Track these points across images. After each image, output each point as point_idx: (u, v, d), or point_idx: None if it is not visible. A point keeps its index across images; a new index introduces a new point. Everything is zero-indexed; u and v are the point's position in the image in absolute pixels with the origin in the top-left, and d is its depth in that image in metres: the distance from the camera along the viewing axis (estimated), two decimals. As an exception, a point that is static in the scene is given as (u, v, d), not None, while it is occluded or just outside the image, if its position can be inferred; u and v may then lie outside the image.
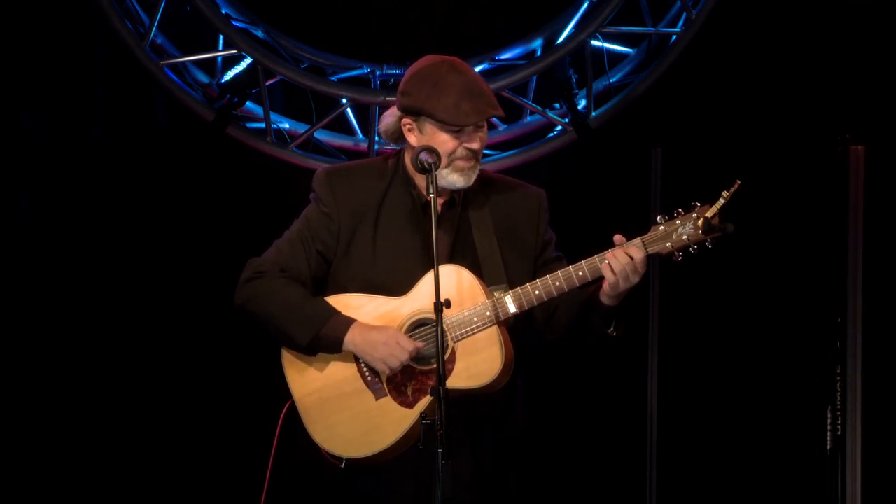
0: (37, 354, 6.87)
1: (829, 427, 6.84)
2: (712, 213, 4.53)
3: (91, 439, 6.90)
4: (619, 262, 4.57)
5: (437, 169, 4.62)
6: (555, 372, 6.88)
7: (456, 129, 4.71)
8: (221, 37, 6.98)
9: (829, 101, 6.96)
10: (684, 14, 7.01)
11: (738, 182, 4.52)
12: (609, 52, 7.10)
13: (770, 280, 6.97)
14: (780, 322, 6.96)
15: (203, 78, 7.11)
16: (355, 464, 4.68)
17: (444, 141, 4.72)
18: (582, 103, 7.06)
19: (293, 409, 4.75)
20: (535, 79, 7.10)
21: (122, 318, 6.95)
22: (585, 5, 7.11)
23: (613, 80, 7.11)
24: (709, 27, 6.96)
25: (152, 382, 6.95)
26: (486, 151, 7.07)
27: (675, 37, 7.02)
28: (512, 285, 4.69)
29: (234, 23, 7.01)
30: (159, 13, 6.90)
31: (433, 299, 4.45)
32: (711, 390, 7.00)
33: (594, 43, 7.02)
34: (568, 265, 4.69)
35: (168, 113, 7.08)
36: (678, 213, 4.60)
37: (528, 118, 7.19)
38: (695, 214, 4.57)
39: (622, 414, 7.08)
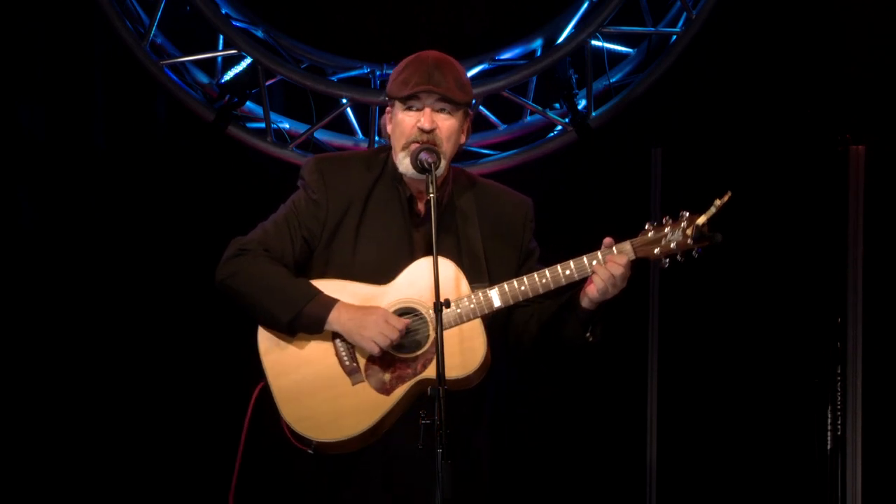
0: (36, 354, 6.87)
1: (829, 427, 6.84)
2: (703, 221, 4.54)
3: (92, 438, 6.91)
4: (610, 270, 4.56)
5: (436, 168, 4.61)
6: (554, 374, 6.88)
7: (409, 106, 4.68)
8: (221, 37, 6.98)
9: (829, 101, 6.96)
10: (684, 14, 7.00)
11: (730, 193, 4.51)
12: (609, 52, 7.09)
13: (770, 280, 6.97)
14: (781, 322, 6.95)
15: (203, 78, 7.10)
16: (324, 449, 4.61)
17: (401, 120, 4.70)
18: (582, 103, 7.05)
19: (265, 393, 4.68)
20: (535, 79, 7.10)
21: (123, 319, 6.95)
22: (585, 5, 7.11)
23: (613, 80, 7.11)
24: (709, 27, 6.97)
25: (153, 381, 6.95)
26: (486, 151, 7.08)
27: (675, 37, 7.02)
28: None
29: (234, 23, 7.01)
30: (159, 13, 6.90)
31: (416, 289, 4.44)
32: (711, 390, 7.00)
33: (594, 43, 7.02)
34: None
35: (168, 113, 7.08)
36: (666, 220, 4.60)
37: (528, 118, 7.18)
38: (684, 223, 4.58)
39: (622, 413, 7.08)
